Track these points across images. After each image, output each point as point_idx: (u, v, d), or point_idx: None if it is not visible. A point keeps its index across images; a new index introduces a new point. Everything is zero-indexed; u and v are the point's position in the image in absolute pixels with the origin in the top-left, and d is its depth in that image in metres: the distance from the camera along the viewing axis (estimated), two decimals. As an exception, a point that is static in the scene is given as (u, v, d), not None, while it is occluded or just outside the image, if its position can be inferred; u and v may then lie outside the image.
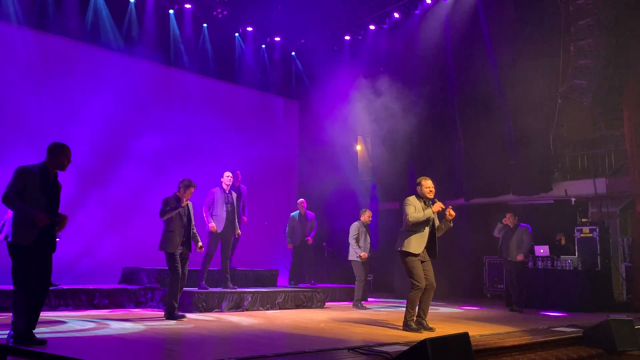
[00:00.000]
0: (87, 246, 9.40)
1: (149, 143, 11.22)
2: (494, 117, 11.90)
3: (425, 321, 6.22)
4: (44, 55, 10.10)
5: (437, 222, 6.28)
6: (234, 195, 8.70)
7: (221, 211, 8.39)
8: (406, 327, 6.14)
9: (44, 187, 4.62)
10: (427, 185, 6.21)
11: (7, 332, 4.57)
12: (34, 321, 4.60)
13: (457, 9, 12.35)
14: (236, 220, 8.67)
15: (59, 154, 4.73)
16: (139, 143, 11.09)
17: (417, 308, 6.20)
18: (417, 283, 6.10)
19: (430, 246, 6.24)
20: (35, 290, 4.61)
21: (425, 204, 6.21)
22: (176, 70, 12.07)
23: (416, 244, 6.14)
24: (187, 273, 7.12)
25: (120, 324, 6.25)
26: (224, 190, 8.53)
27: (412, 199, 6.23)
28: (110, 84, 10.80)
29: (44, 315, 6.68)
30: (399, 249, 6.23)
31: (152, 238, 8.94)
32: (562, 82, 11.08)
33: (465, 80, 12.45)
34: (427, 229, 6.18)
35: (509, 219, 9.43)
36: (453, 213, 6.10)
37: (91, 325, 6.12)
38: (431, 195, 6.21)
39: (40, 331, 5.12)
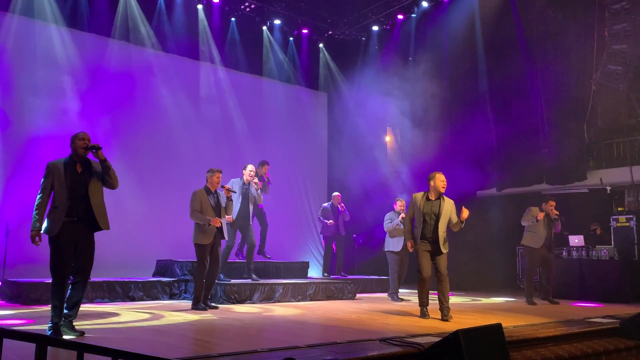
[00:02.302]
0: (122, 239, 9.58)
1: (180, 136, 11.38)
2: (526, 105, 11.70)
3: (446, 309, 6.32)
4: (79, 52, 10.31)
5: (442, 223, 6.41)
6: (252, 187, 8.62)
7: (235, 203, 8.26)
8: (423, 315, 6.52)
9: (67, 176, 4.74)
10: (441, 179, 6.50)
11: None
12: (69, 311, 4.74)
13: (487, -5, 12.15)
14: (251, 208, 8.60)
15: (73, 142, 4.86)
16: (170, 136, 11.26)
17: (425, 296, 6.55)
18: (417, 272, 6.51)
19: (434, 240, 6.43)
20: (73, 284, 4.75)
21: (427, 199, 6.51)
22: (205, 64, 12.17)
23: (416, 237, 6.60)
24: (219, 264, 7.26)
25: (173, 314, 6.40)
26: (244, 183, 8.55)
27: (417, 196, 6.62)
28: (142, 78, 11.00)
29: (97, 307, 6.87)
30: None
31: (185, 230, 9.07)
32: (597, 68, 10.83)
33: (496, 69, 12.25)
34: (421, 224, 6.49)
35: (553, 208, 8.80)
36: (466, 213, 6.26)
37: (145, 316, 6.30)
38: (442, 190, 6.48)
39: (81, 323, 5.27)
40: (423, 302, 6.56)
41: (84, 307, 6.63)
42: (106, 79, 10.55)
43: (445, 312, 6.27)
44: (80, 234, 4.76)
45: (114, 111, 10.50)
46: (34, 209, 4.72)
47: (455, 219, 6.42)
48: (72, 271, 4.77)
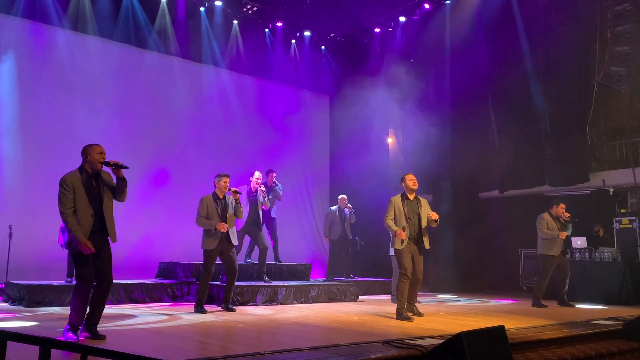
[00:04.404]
0: (125, 241, 9.55)
1: (183, 139, 11.40)
2: (528, 106, 11.68)
3: (415, 306, 6.90)
4: (82, 54, 10.34)
5: (423, 221, 6.76)
6: (260, 195, 8.71)
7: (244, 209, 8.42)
8: (399, 316, 6.51)
9: (88, 193, 4.71)
10: (410, 178, 6.83)
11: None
12: (93, 316, 4.79)
13: (488, -3, 12.13)
14: (260, 214, 8.72)
15: (89, 154, 4.76)
16: (173, 139, 11.27)
17: (406, 297, 6.64)
18: (403, 272, 6.61)
19: (418, 238, 6.74)
20: (96, 287, 4.83)
21: (406, 199, 6.78)
22: (207, 66, 12.18)
23: (398, 240, 6.69)
24: (237, 267, 7.25)
25: (175, 317, 6.41)
26: (251, 189, 8.62)
27: (395, 199, 6.82)
28: (144, 81, 11.01)
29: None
30: (391, 246, 6.94)
31: (187, 233, 9.10)
32: (599, 70, 10.81)
33: (498, 70, 12.24)
34: (407, 225, 6.70)
35: (563, 211, 8.74)
36: (435, 216, 6.70)
37: (148, 318, 6.33)
38: (414, 187, 6.81)
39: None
40: (403, 303, 6.60)
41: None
42: (109, 81, 10.57)
43: (415, 307, 6.88)
44: (99, 243, 4.79)
45: (117, 114, 10.52)
46: (69, 228, 4.59)
47: (432, 216, 6.70)
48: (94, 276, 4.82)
